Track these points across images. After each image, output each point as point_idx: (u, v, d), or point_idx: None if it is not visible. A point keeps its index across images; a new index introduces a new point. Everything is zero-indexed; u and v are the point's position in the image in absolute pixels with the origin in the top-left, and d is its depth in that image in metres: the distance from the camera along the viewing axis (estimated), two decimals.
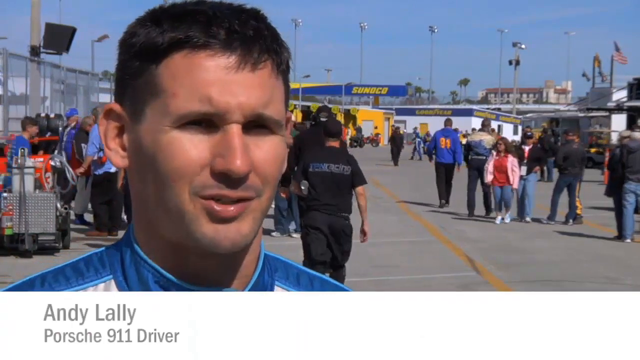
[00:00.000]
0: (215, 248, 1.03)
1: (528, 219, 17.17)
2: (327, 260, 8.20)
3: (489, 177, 16.91)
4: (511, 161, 16.77)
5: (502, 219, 16.96)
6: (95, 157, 13.47)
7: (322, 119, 11.21)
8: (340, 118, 67.52)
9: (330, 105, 70.81)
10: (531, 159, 17.70)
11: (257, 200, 1.05)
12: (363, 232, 8.41)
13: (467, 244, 14.02)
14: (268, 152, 1.04)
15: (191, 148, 1.02)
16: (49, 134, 14.70)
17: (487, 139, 18.45)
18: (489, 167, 16.95)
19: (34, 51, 21.18)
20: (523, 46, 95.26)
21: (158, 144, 1.03)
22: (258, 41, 1.04)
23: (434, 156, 19.62)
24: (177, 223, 1.04)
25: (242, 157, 1.01)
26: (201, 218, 1.03)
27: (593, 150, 38.50)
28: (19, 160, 11.64)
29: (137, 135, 1.06)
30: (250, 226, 1.05)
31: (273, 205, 13.69)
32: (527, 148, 18.33)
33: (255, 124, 1.04)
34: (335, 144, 8.46)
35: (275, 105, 1.05)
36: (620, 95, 52.70)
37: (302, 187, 8.09)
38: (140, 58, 1.05)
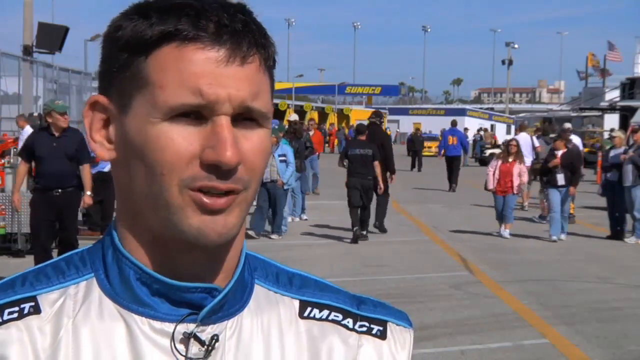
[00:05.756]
0: (201, 240, 1.03)
1: (563, 236, 14.97)
2: (360, 205, 14.15)
3: (493, 184, 15.24)
4: (519, 167, 15.17)
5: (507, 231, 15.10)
6: None
7: (372, 120, 15.77)
8: (333, 118, 67.43)
9: (323, 105, 70.89)
10: (564, 165, 14.97)
11: (244, 193, 1.05)
12: (380, 187, 14.57)
13: (460, 244, 14.04)
14: (256, 145, 1.05)
15: (181, 140, 1.01)
16: None
17: None
18: (495, 172, 15.23)
19: (27, 50, 21.15)
20: (516, 46, 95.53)
21: (146, 136, 1.02)
22: (247, 35, 1.04)
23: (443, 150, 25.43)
24: (164, 215, 1.03)
25: (232, 149, 1.01)
26: (188, 210, 1.02)
27: (586, 149, 38.52)
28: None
29: (124, 127, 1.05)
30: (237, 219, 1.05)
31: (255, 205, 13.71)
32: (559, 153, 15.09)
33: (243, 117, 1.04)
34: (362, 137, 14.70)
35: (263, 98, 1.05)
36: (612, 95, 52.88)
37: (345, 163, 14.59)
38: (128, 50, 1.04)
